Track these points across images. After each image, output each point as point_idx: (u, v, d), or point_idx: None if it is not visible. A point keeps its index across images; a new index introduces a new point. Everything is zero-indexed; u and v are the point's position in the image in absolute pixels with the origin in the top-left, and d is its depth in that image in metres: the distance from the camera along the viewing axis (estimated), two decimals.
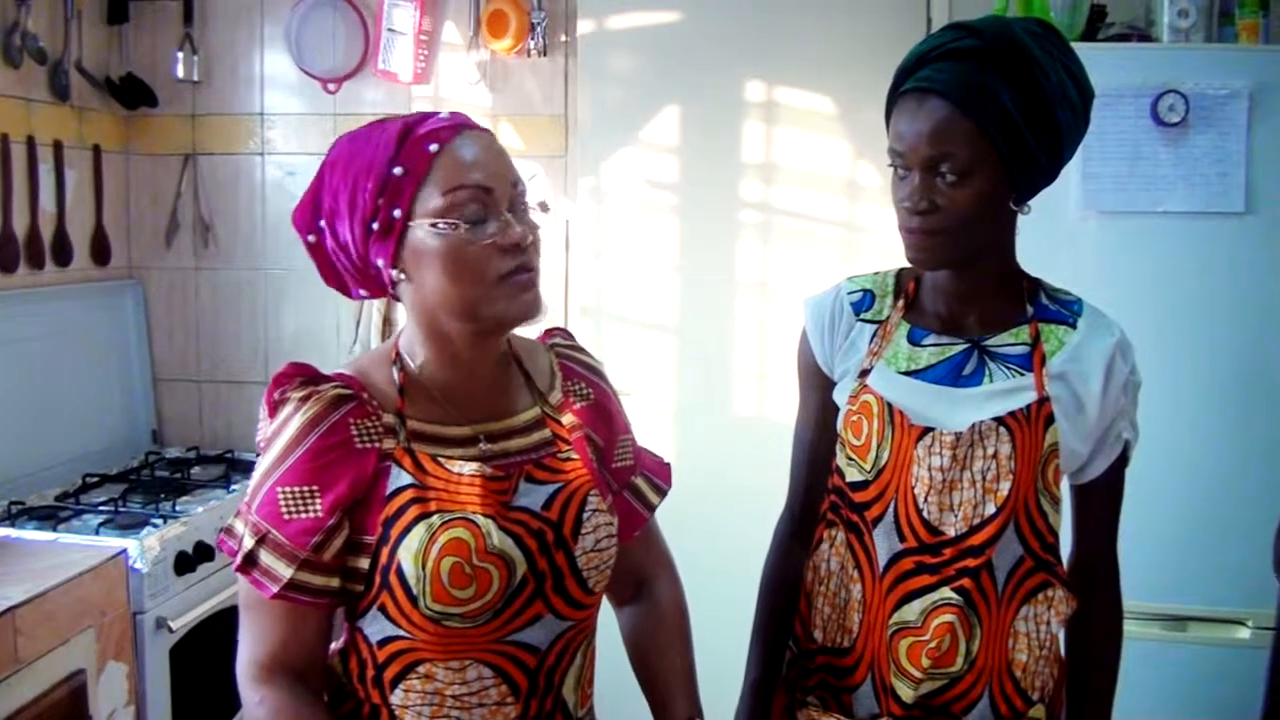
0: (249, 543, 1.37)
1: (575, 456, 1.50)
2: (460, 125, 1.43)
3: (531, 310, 1.43)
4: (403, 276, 1.41)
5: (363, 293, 1.50)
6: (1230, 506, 2.65)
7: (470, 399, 1.48)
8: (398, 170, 1.37)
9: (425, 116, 1.43)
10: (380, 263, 1.41)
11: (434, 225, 1.37)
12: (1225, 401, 2.66)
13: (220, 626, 2.94)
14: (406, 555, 1.35)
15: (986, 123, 1.48)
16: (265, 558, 1.37)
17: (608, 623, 1.63)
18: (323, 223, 1.43)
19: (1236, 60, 2.62)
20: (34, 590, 2.38)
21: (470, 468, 1.41)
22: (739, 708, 1.78)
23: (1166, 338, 2.61)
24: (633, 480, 1.63)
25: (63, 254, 3.39)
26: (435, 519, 1.36)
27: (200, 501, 3.10)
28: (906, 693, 1.59)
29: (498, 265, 1.39)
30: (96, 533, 2.81)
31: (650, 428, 1.69)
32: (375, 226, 1.38)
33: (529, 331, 1.54)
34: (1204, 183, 2.61)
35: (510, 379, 1.54)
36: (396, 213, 1.37)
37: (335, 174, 1.42)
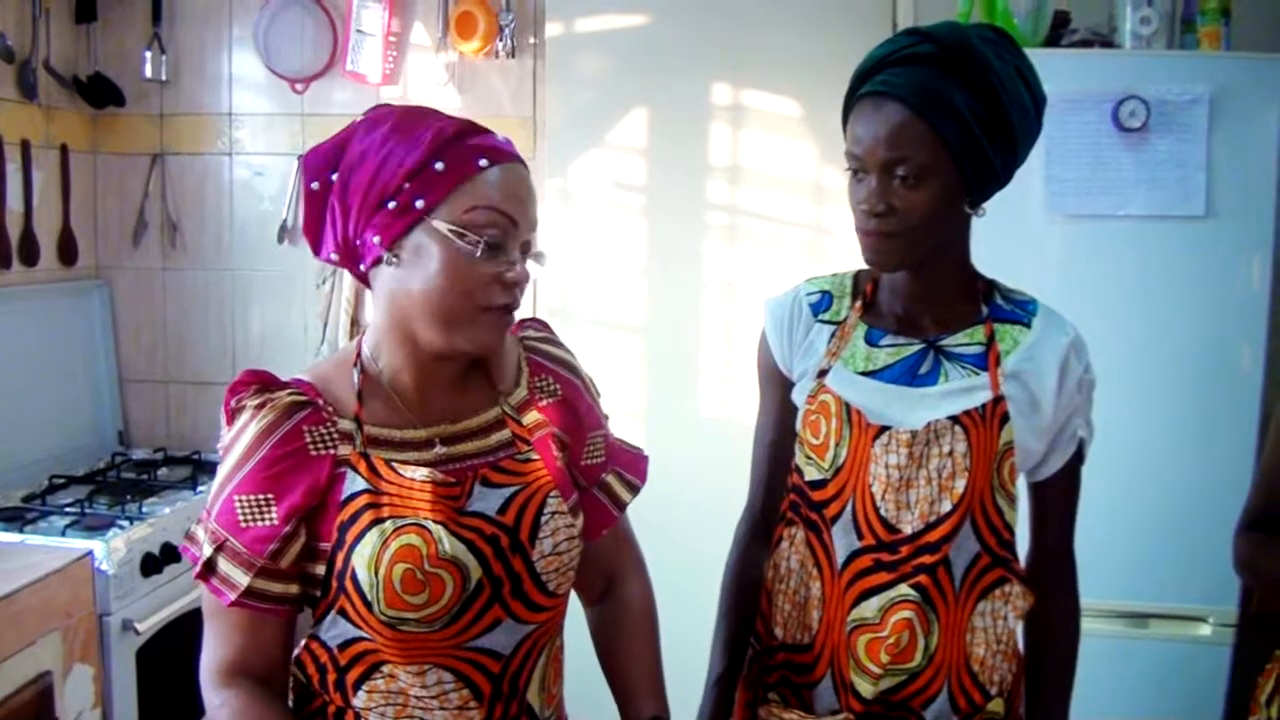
0: (208, 550, 1.37)
1: (536, 457, 1.49)
2: (513, 155, 1.43)
3: (495, 348, 1.46)
4: (393, 261, 1.39)
5: (334, 256, 1.45)
6: (1192, 505, 2.67)
7: (429, 401, 1.47)
8: (439, 165, 1.35)
9: (483, 129, 1.42)
10: (376, 240, 1.38)
11: (453, 231, 1.36)
12: (1186, 401, 2.70)
13: (187, 628, 2.93)
14: (360, 561, 1.35)
15: (942, 126, 1.50)
16: (223, 565, 1.37)
17: (578, 623, 1.64)
18: (334, 176, 1.40)
19: (1197, 67, 2.65)
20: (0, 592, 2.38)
21: (421, 473, 1.40)
22: (702, 704, 1.79)
23: (1128, 339, 2.64)
24: (603, 478, 1.62)
25: (30, 254, 3.37)
26: (388, 525, 1.36)
27: (167, 503, 3.09)
28: (866, 689, 1.61)
29: (491, 295, 1.39)
30: (63, 534, 2.80)
31: (617, 428, 1.69)
32: (391, 205, 1.36)
33: None
34: (1165, 187, 2.64)
35: (471, 380, 1.52)
36: (419, 203, 1.35)
37: (371, 137, 1.39)
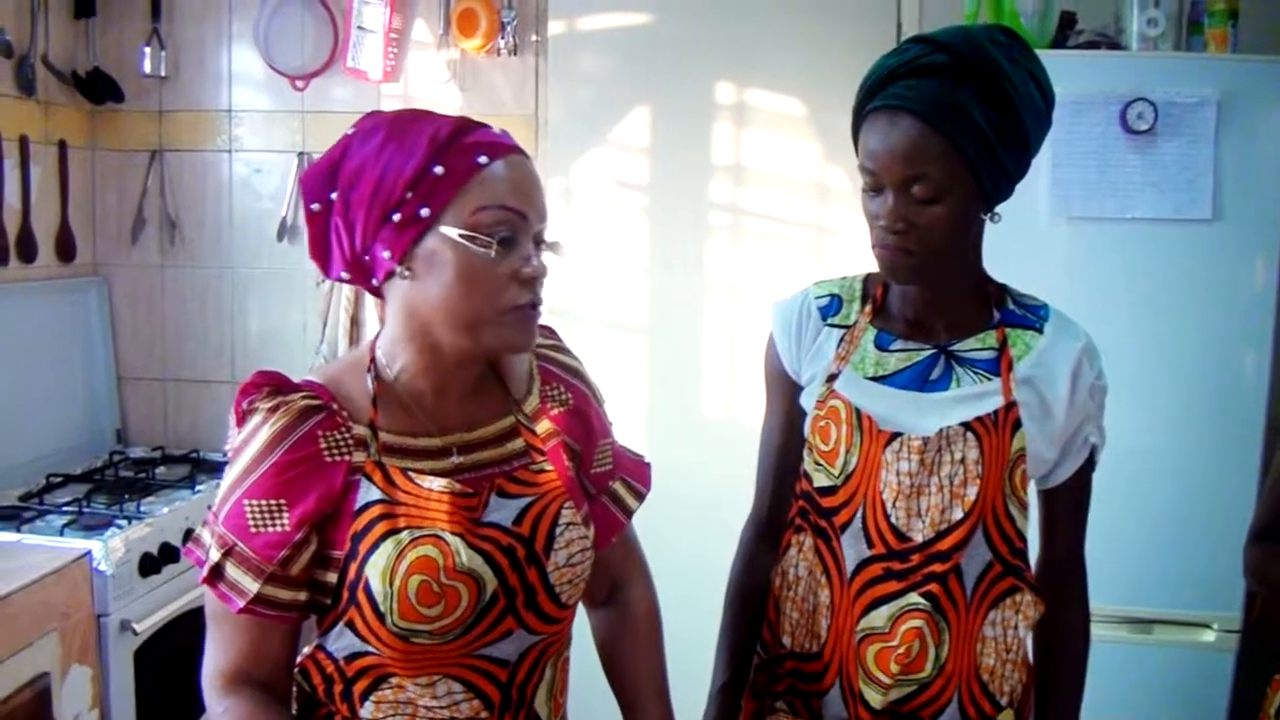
0: (215, 555, 1.35)
1: (549, 467, 1.47)
2: (512, 147, 1.39)
3: (526, 345, 1.43)
4: (406, 274, 1.36)
5: (344, 275, 1.43)
6: (1197, 510, 2.66)
7: (444, 409, 1.45)
8: (438, 169, 1.32)
9: (478, 124, 1.39)
10: (386, 255, 1.35)
11: (464, 236, 1.33)
12: (1192, 406, 2.68)
13: (185, 629, 2.92)
14: (374, 572, 1.33)
15: (960, 140, 1.48)
16: (232, 571, 1.34)
17: (581, 628, 1.62)
18: (334, 195, 1.37)
19: (1205, 69, 2.63)
20: None
21: (439, 483, 1.38)
22: (706, 712, 1.78)
23: (1135, 343, 2.63)
24: (611, 485, 1.60)
25: (27, 250, 3.35)
26: (404, 535, 1.34)
27: (165, 502, 3.07)
28: (875, 698, 1.60)
29: (512, 294, 1.37)
30: (60, 534, 2.78)
31: (620, 429, 1.67)
32: (396, 218, 1.33)
33: None
34: (1172, 190, 2.62)
35: (485, 387, 1.50)
36: (424, 211, 1.33)
37: (366, 150, 1.35)
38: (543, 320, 1.50)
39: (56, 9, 3.46)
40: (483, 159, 1.34)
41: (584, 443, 1.56)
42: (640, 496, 1.65)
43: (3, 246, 3.25)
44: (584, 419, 1.57)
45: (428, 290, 1.36)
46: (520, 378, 1.55)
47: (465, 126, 1.37)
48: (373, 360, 1.45)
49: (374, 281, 1.42)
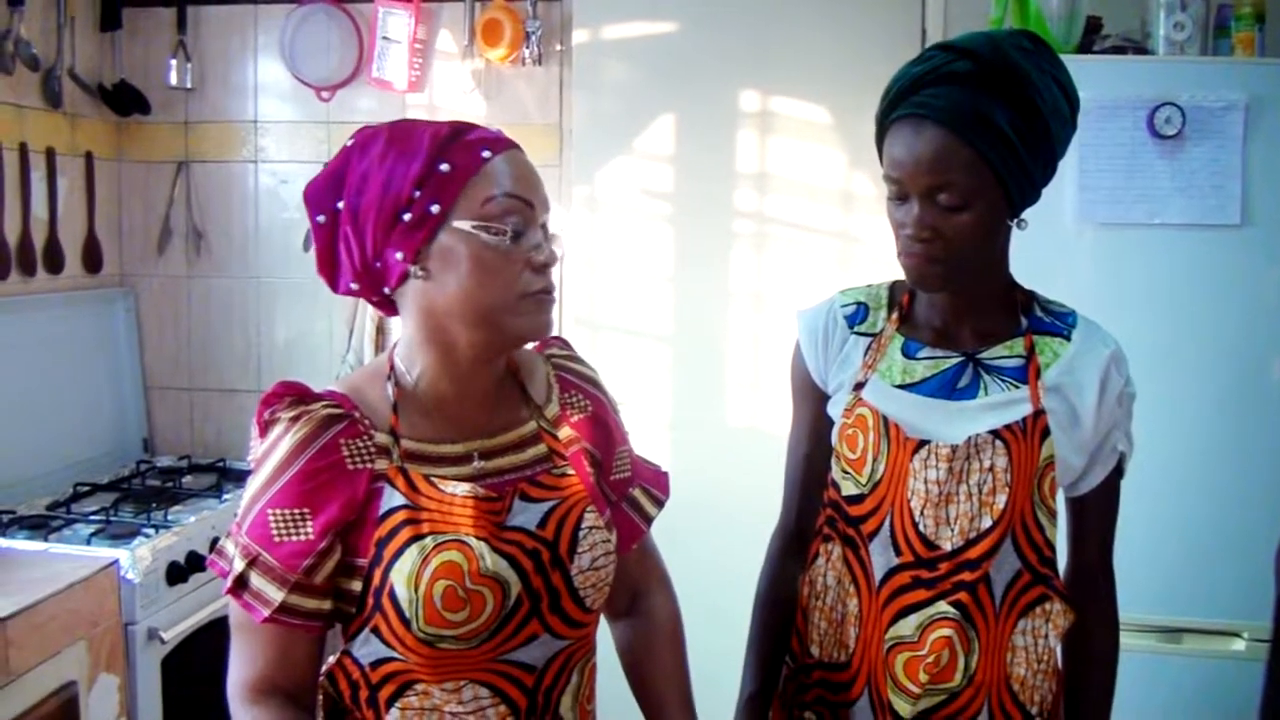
0: (239, 565, 1.35)
1: (571, 472, 1.48)
2: (510, 142, 1.43)
3: (544, 331, 1.43)
4: (420, 274, 1.37)
5: (353, 286, 1.45)
6: (1226, 518, 2.64)
7: (465, 414, 1.46)
8: (444, 166, 1.35)
9: (475, 125, 1.42)
10: (399, 256, 1.37)
11: (477, 227, 1.35)
12: (1221, 413, 2.66)
13: (212, 637, 2.92)
14: (399, 578, 1.33)
15: (985, 148, 1.47)
16: (256, 580, 1.34)
17: (604, 639, 1.62)
18: (340, 204, 1.39)
19: (1232, 73, 2.61)
20: (25, 601, 2.37)
21: (463, 488, 1.38)
22: None
23: (1162, 349, 2.60)
24: (630, 492, 1.61)
25: (54, 261, 3.38)
26: (428, 541, 1.34)
27: (192, 511, 3.09)
28: (904, 708, 1.58)
29: (527, 280, 1.38)
30: (88, 543, 2.79)
31: (644, 437, 1.67)
32: (406, 218, 1.35)
33: None
34: (1200, 195, 2.60)
35: (506, 393, 1.51)
36: (435, 208, 1.34)
37: (368, 157, 1.38)
38: (567, 329, 1.50)
39: (83, 22, 3.50)
40: (486, 153, 1.38)
41: (604, 449, 1.56)
42: (659, 504, 1.65)
43: (30, 257, 3.28)
44: (604, 426, 1.57)
45: (445, 287, 1.37)
46: (539, 386, 1.55)
47: (463, 127, 1.41)
48: (391, 368, 1.46)
49: (385, 290, 1.43)
